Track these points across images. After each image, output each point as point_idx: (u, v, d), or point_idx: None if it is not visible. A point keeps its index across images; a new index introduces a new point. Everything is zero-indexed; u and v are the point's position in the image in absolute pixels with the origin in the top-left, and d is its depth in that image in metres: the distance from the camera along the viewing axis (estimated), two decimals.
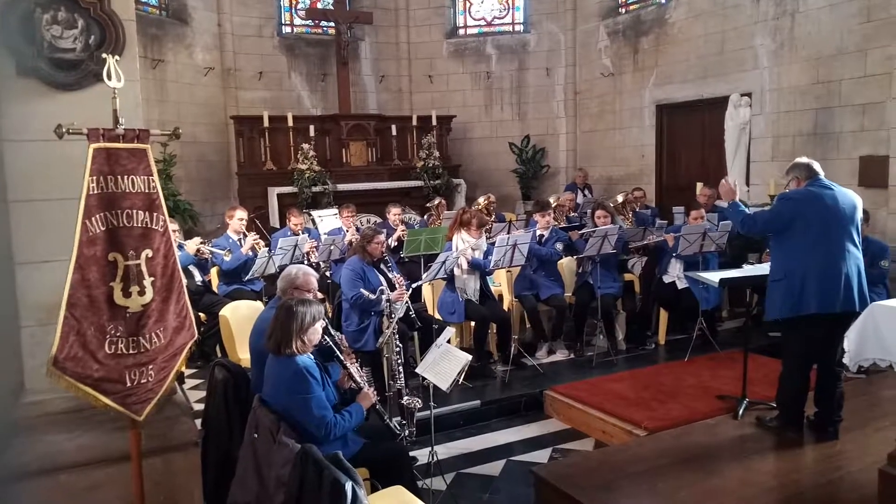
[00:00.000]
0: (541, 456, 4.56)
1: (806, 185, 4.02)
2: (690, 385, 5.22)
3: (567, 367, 5.97)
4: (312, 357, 3.35)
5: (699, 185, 7.65)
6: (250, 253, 6.24)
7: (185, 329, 3.29)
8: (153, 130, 3.20)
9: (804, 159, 4.13)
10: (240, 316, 4.94)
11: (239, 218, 6.50)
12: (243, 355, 4.61)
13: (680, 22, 9.69)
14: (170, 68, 9.75)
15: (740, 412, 4.54)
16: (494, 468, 4.38)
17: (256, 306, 4.99)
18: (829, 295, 3.89)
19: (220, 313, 5.09)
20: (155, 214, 3.16)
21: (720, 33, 9.04)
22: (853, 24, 7.45)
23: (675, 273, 6.25)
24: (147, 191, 3.11)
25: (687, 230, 6.06)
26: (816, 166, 4.07)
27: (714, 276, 4.65)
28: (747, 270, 4.72)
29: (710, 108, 9.11)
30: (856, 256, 3.97)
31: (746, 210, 4.38)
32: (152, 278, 3.14)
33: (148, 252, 3.13)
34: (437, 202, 8.63)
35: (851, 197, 4.01)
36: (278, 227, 8.60)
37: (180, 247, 6.05)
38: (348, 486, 2.54)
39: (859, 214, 4.02)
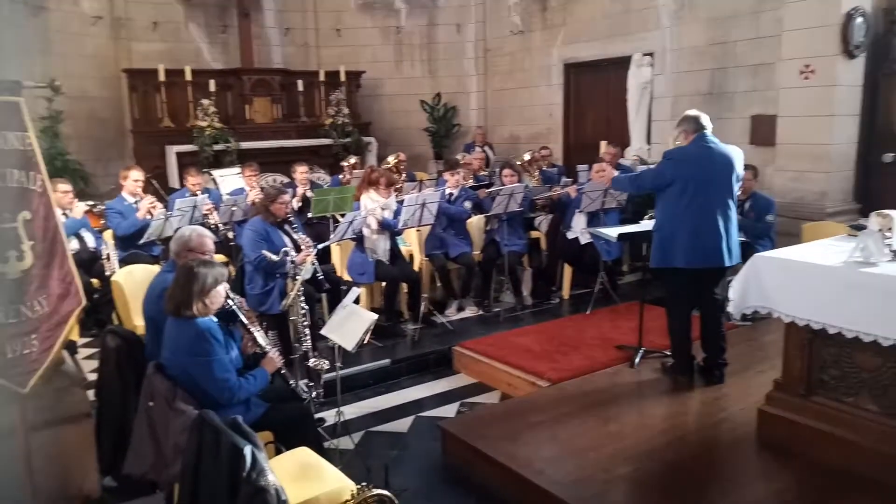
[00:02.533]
0: (449, 410, 4.65)
1: (691, 141, 4.19)
2: (592, 336, 5.43)
3: (476, 324, 6.07)
4: (215, 320, 3.26)
5: (603, 144, 7.85)
6: (148, 216, 5.94)
7: (71, 295, 3.13)
8: (26, 82, 2.97)
9: (693, 112, 4.30)
10: (134, 281, 4.71)
11: (134, 179, 6.16)
12: (139, 322, 4.41)
13: None
14: (53, 17, 8.99)
15: (636, 361, 4.77)
16: (403, 425, 4.43)
17: (152, 271, 4.77)
18: (696, 251, 4.15)
19: (113, 279, 4.85)
20: (31, 173, 2.96)
21: None
22: None
23: (578, 229, 6.42)
24: (22, 148, 2.90)
25: (589, 187, 6.22)
26: (704, 120, 4.24)
27: (613, 231, 4.82)
28: (643, 225, 4.91)
29: (615, 68, 9.28)
30: (729, 214, 4.21)
31: (629, 176, 4.60)
32: (32, 242, 2.95)
33: (26, 214, 2.93)
34: (352, 161, 8.48)
35: (731, 155, 4.20)
36: (178, 187, 8.22)
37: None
38: (247, 450, 2.50)
39: (738, 171, 4.23)
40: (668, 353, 4.67)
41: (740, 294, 3.56)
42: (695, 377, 4.47)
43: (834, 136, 6.86)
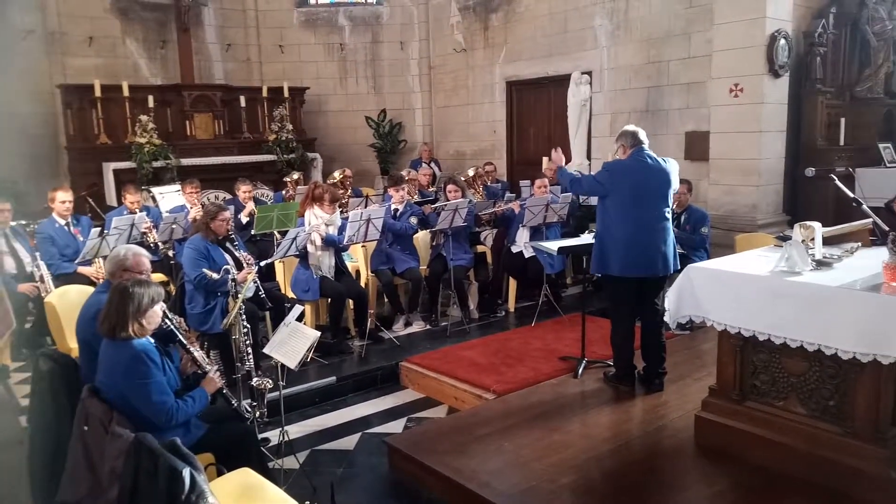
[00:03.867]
0: (396, 426, 4.63)
1: (630, 154, 4.34)
2: (536, 348, 5.50)
3: (423, 338, 6.08)
4: (152, 340, 3.19)
5: (545, 160, 8.01)
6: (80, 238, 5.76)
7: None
8: None
9: (631, 127, 4.46)
10: (68, 302, 4.56)
11: (60, 201, 5.92)
12: (73, 344, 4.27)
13: (526, 0, 9.98)
14: None
15: (580, 371, 4.86)
16: (350, 442, 4.39)
17: (86, 291, 4.62)
18: (632, 260, 4.29)
19: (46, 300, 4.69)
20: None
21: (563, 13, 9.43)
22: (679, 8, 8.05)
23: (521, 243, 6.52)
24: None
25: (531, 202, 6.33)
26: (642, 135, 4.40)
27: (553, 245, 4.92)
28: (583, 239, 5.03)
29: (555, 86, 9.52)
30: (665, 225, 4.35)
31: (574, 174, 4.73)
32: None
33: None
34: (295, 177, 8.43)
35: (668, 168, 4.36)
36: (115, 205, 8.00)
37: None
38: (186, 472, 2.44)
39: (674, 185, 4.40)
40: (611, 363, 4.77)
41: (675, 304, 3.68)
42: (636, 386, 4.58)
43: (763, 152, 7.18)
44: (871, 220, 4.11)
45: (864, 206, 4.05)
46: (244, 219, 6.79)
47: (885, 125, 8.13)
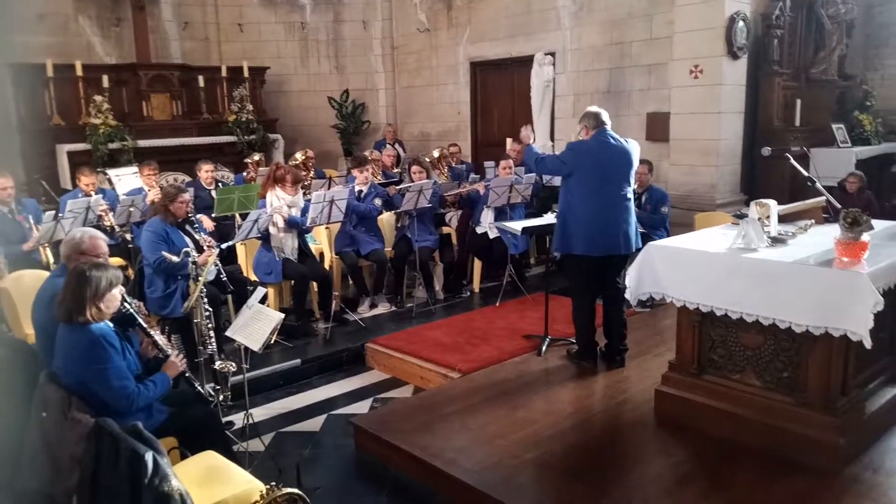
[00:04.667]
0: (362, 407, 4.64)
1: (593, 135, 4.38)
2: (501, 327, 5.56)
3: (389, 320, 6.09)
4: (111, 325, 3.13)
5: (509, 141, 8.03)
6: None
7: None
8: None
9: (594, 108, 4.50)
10: (23, 287, 4.45)
11: (1, 188, 5.69)
12: (30, 330, 4.17)
13: None
14: None
15: (543, 349, 4.93)
16: (315, 424, 4.39)
17: (42, 276, 4.51)
18: (595, 239, 4.35)
19: (0, 285, 4.55)
20: None
21: None
22: None
23: (486, 223, 6.55)
24: None
25: (496, 183, 6.36)
26: (605, 116, 4.44)
27: (517, 225, 4.96)
28: (546, 219, 5.07)
29: (519, 67, 9.51)
30: (626, 205, 4.41)
31: (540, 153, 4.76)
32: None
33: None
34: (256, 158, 8.30)
35: (629, 149, 4.42)
36: (70, 188, 7.78)
37: None
38: (148, 455, 2.42)
39: (635, 165, 4.45)
40: (573, 341, 4.84)
41: (636, 281, 3.75)
42: (598, 362, 4.67)
43: (721, 132, 7.31)
44: (824, 198, 4.23)
45: (818, 185, 4.17)
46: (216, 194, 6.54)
47: (838, 106, 8.33)
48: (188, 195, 4.96)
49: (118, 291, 3.12)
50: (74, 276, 3.06)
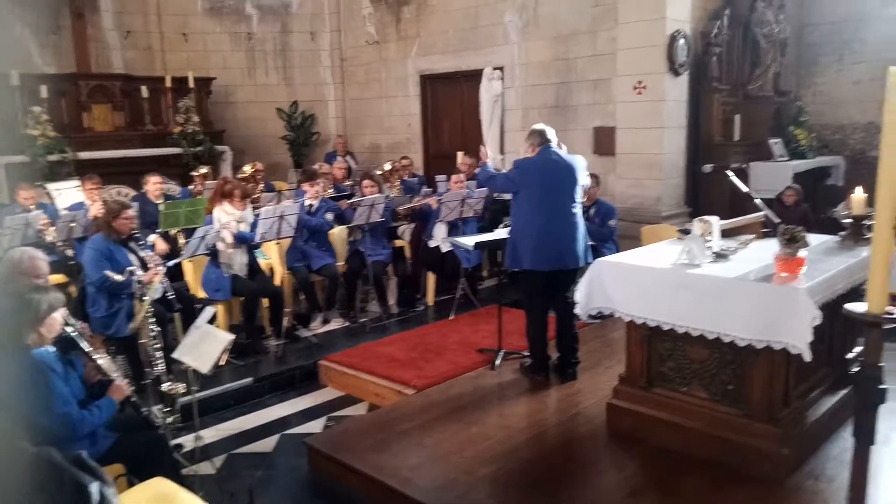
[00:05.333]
0: (316, 426, 4.59)
1: (538, 152, 4.47)
2: (455, 342, 5.57)
3: (342, 336, 6.04)
4: (52, 350, 3.03)
5: (459, 154, 8.07)
6: None
7: None
8: None
9: (539, 126, 4.59)
10: None
11: None
12: None
13: None
14: None
15: (497, 363, 4.96)
16: (268, 444, 4.32)
17: None
18: (543, 254, 4.43)
19: None
20: None
21: (474, 8, 9.50)
22: (585, 6, 8.28)
23: (439, 237, 6.57)
24: None
25: (448, 197, 6.39)
26: (550, 133, 4.54)
27: (470, 241, 5.00)
28: (498, 233, 5.13)
29: (469, 80, 9.60)
30: (573, 220, 4.50)
31: (492, 171, 4.83)
32: None
33: None
34: (203, 171, 8.14)
35: (574, 164, 4.51)
36: (7, 202, 7.48)
37: None
38: (93, 487, 2.33)
39: (581, 180, 4.55)
40: (527, 354, 4.89)
41: (585, 296, 3.82)
42: (551, 375, 4.72)
43: (664, 147, 7.52)
44: (763, 213, 4.40)
45: (757, 200, 4.32)
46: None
47: (775, 121, 8.66)
48: (132, 211, 4.83)
49: (59, 315, 3.03)
50: (13, 299, 2.95)
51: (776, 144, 8.17)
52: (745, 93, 8.41)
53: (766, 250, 3.62)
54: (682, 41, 7.34)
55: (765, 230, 4.29)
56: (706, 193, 7.89)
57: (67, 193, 6.91)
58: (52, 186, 7.22)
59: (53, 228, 5.79)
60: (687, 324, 3.42)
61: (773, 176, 7.75)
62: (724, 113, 8.13)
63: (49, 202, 6.95)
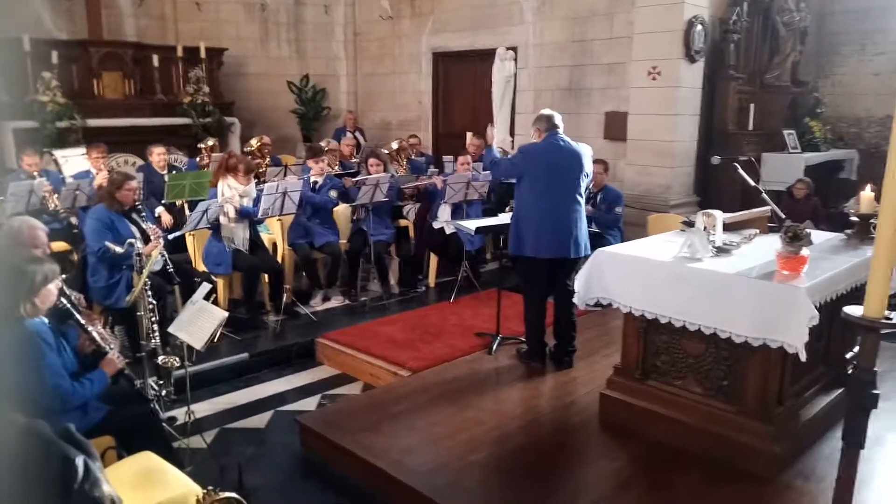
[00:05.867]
0: (310, 403, 4.60)
1: (544, 138, 4.40)
2: (453, 324, 5.56)
3: (341, 314, 6.03)
4: (45, 321, 3.03)
5: (469, 135, 8.00)
6: None
7: None
8: None
9: (547, 111, 4.51)
10: None
11: None
12: None
13: None
14: None
15: (494, 347, 4.95)
16: (261, 420, 4.34)
17: None
18: (544, 242, 4.39)
19: None
20: None
21: None
22: None
23: (443, 219, 6.53)
24: None
25: (453, 179, 6.34)
26: (557, 119, 4.45)
27: (472, 224, 4.96)
28: (501, 219, 5.08)
29: (481, 59, 9.46)
30: (576, 208, 4.45)
31: (497, 156, 4.77)
32: None
33: None
34: (210, 143, 8.11)
35: (580, 152, 4.44)
36: (15, 167, 7.49)
37: None
38: (79, 460, 2.34)
39: (586, 169, 4.48)
40: (524, 340, 4.87)
41: (584, 286, 3.78)
42: (547, 362, 4.71)
43: (677, 134, 7.41)
44: (769, 207, 4.33)
45: (764, 195, 4.25)
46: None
47: (790, 112, 8.53)
48: (135, 182, 4.82)
49: (54, 286, 3.02)
50: (8, 270, 2.95)
51: (790, 136, 8.05)
52: (762, 82, 8.26)
53: (769, 246, 3.56)
54: (699, 27, 7.20)
55: (770, 225, 4.22)
56: (717, 183, 7.79)
57: (74, 161, 6.91)
58: (59, 153, 7.23)
59: (57, 196, 5.80)
60: (685, 317, 3.39)
61: (785, 167, 7.65)
62: (740, 102, 8.01)
63: (56, 169, 6.96)
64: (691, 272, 3.38)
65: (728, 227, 3.90)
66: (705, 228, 3.61)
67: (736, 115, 7.96)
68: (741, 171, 4.65)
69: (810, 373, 3.60)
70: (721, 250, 3.57)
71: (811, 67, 8.79)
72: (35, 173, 6.07)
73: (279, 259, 6.03)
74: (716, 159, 7.54)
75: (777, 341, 3.07)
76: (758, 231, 4.03)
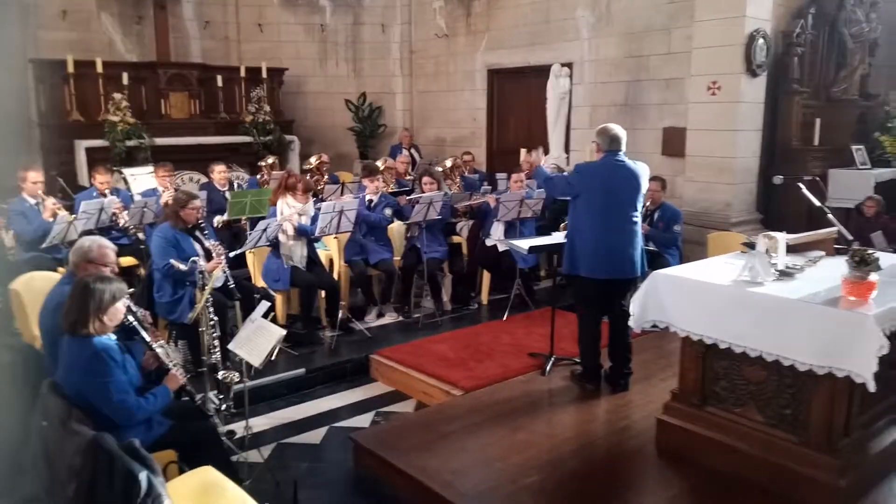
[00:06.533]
0: (364, 420, 4.65)
1: (603, 156, 4.35)
2: (506, 343, 5.53)
3: (395, 330, 6.08)
4: (113, 337, 3.16)
5: (523, 152, 7.98)
6: (51, 219, 5.67)
7: None
8: None
9: (613, 128, 4.39)
10: (34, 289, 4.49)
11: (32, 181, 5.87)
12: (38, 333, 4.21)
13: None
14: None
15: (548, 368, 4.90)
16: (316, 436, 4.40)
17: (52, 279, 4.56)
18: (599, 262, 4.33)
19: (11, 286, 4.61)
20: None
21: (545, 2, 9.36)
22: (660, 3, 8.03)
23: (497, 236, 6.53)
24: None
25: (506, 197, 6.34)
26: (621, 138, 4.36)
27: (525, 244, 4.94)
28: (554, 238, 5.04)
29: (536, 75, 9.47)
30: (633, 228, 4.38)
31: (547, 173, 4.76)
32: None
33: None
34: (270, 161, 8.33)
35: (638, 172, 4.37)
36: (87, 185, 7.86)
37: None
38: (142, 476, 2.44)
39: (643, 188, 4.41)
40: (579, 361, 4.81)
41: (640, 308, 3.72)
42: (602, 385, 4.63)
43: (738, 150, 7.23)
44: (836, 228, 4.17)
45: (830, 216, 4.10)
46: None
47: (859, 127, 8.21)
48: (199, 202, 4.99)
49: (122, 304, 3.15)
50: (79, 288, 3.09)
51: (859, 151, 7.75)
52: (828, 95, 8.00)
53: (835, 269, 3.43)
54: (761, 41, 7.03)
55: (837, 247, 4.06)
56: (780, 200, 7.56)
57: (142, 179, 7.20)
58: (128, 171, 7.54)
59: (126, 213, 6.05)
60: (745, 343, 3.29)
61: (853, 184, 7.36)
62: (804, 116, 7.77)
63: (124, 187, 7.26)
64: (752, 297, 3.28)
65: (792, 249, 3.78)
66: (767, 251, 3.50)
67: (800, 130, 7.72)
68: (805, 192, 4.50)
69: (881, 402, 3.44)
70: (784, 274, 3.46)
71: (882, 80, 8.46)
72: (106, 191, 6.35)
73: (335, 276, 6.14)
74: (778, 179, 7.32)
75: (843, 370, 2.95)
76: (824, 253, 3.89)
